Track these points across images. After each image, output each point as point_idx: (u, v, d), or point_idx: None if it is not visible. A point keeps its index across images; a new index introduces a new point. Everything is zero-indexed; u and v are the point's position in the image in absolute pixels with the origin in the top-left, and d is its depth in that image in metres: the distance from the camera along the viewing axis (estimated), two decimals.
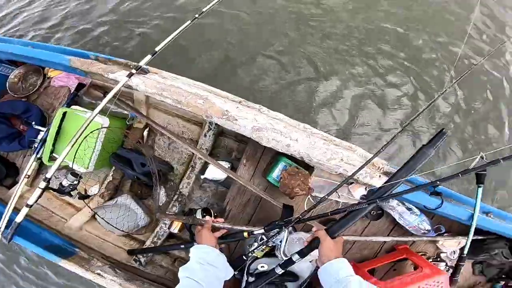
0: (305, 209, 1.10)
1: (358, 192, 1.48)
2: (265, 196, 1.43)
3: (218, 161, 1.71)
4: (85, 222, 1.83)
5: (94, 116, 1.17)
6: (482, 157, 1.13)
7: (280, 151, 1.23)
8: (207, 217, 1.50)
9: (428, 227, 1.56)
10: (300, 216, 1.08)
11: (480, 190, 1.32)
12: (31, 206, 1.09)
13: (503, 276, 1.82)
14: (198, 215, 1.59)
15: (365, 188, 1.49)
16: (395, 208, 1.50)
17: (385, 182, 1.09)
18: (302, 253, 1.00)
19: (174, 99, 1.31)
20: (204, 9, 1.49)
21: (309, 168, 1.41)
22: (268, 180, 1.51)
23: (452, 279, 1.49)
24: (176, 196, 1.82)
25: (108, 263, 1.54)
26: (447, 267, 1.74)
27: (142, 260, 1.73)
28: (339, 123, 2.61)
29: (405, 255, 1.63)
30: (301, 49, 2.90)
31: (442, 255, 1.75)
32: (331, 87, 2.74)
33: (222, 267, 0.98)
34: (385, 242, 1.69)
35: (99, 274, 1.43)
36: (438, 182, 1.30)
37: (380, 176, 1.23)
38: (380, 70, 2.86)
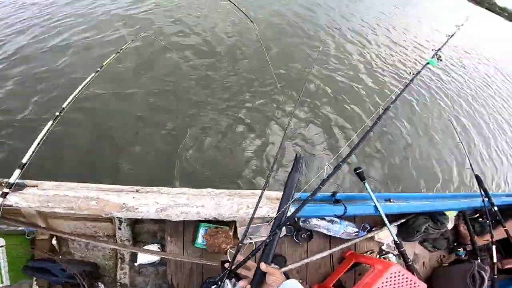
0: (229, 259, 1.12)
1: None
2: (199, 261, 1.41)
3: (145, 246, 1.65)
4: None
5: None
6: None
7: (193, 219, 1.25)
8: None
9: (355, 229, 1.76)
10: (230, 268, 1.08)
11: (366, 184, 1.56)
12: None
13: (455, 243, 2.15)
14: None
15: None
16: (319, 225, 1.66)
17: (277, 211, 1.21)
18: None
19: (64, 207, 1.20)
20: (63, 105, 1.39)
21: (230, 222, 1.46)
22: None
23: (406, 265, 1.58)
24: None
25: None
26: (396, 256, 1.91)
27: None
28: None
29: (354, 260, 1.75)
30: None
31: (383, 247, 1.93)
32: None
33: None
34: (331, 255, 1.81)
35: None
36: (334, 192, 1.54)
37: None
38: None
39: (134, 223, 1.68)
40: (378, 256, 1.91)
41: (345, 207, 1.48)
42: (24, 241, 1.65)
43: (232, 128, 3.09)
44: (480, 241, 2.11)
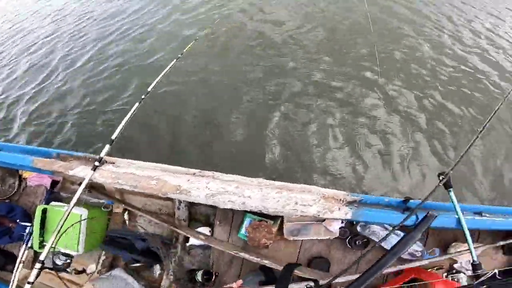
0: None
1: (334, 226, 1.45)
2: (237, 253, 1.43)
3: (198, 228, 1.74)
4: None
5: (69, 212, 1.25)
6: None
7: (238, 209, 1.24)
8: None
9: (422, 249, 1.51)
10: None
11: (451, 193, 1.29)
12: (32, 283, 1.14)
13: None
14: (199, 277, 1.60)
15: (341, 221, 1.47)
16: (379, 233, 1.46)
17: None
18: None
19: (129, 185, 1.35)
20: (148, 89, 1.58)
21: (277, 216, 1.41)
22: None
23: None
24: (169, 267, 1.80)
25: None
26: (468, 278, 1.59)
27: None
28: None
29: (413, 275, 1.52)
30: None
31: (455, 265, 1.63)
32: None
33: None
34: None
35: None
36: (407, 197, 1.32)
37: (339, 208, 1.22)
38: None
39: (192, 204, 1.78)
40: (446, 274, 1.61)
41: (417, 217, 1.24)
42: (102, 213, 1.93)
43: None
44: None
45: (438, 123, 2.90)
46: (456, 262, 1.63)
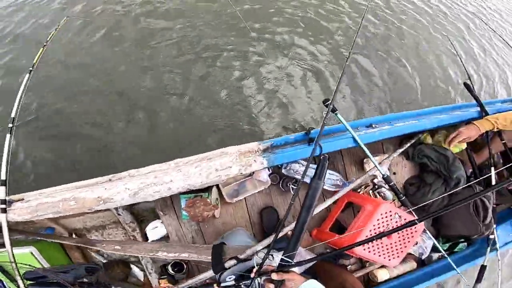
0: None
1: (263, 176, 1.60)
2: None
3: (150, 224, 1.73)
4: None
5: (12, 253, 1.19)
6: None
7: (167, 195, 1.29)
8: None
9: (340, 177, 1.71)
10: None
11: (339, 115, 1.47)
12: None
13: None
14: (170, 270, 1.64)
15: (268, 169, 1.62)
16: (300, 172, 1.62)
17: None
18: None
19: (51, 212, 1.29)
20: (12, 115, 1.35)
21: (209, 187, 1.50)
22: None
23: (400, 200, 1.55)
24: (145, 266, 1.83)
25: None
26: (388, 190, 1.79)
27: None
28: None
29: (346, 199, 1.70)
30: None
31: (375, 181, 1.84)
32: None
33: None
34: (323, 197, 1.77)
35: None
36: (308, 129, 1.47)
37: (255, 160, 1.34)
38: None
39: (130, 206, 1.76)
40: (371, 191, 1.83)
41: (320, 146, 1.40)
42: (51, 244, 1.76)
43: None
44: (479, 159, 1.93)
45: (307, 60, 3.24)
46: (375, 177, 1.84)
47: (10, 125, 1.29)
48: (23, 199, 1.38)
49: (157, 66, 2.96)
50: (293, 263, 1.00)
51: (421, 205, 1.25)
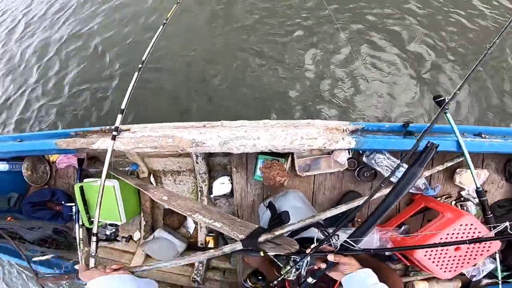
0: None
1: (342, 158, 1.55)
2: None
3: (218, 179, 1.90)
4: (143, 261, 2.13)
5: (103, 185, 1.33)
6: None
7: (251, 152, 1.35)
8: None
9: (424, 181, 1.57)
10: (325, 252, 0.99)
11: (448, 115, 1.31)
12: (95, 255, 1.27)
13: None
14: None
15: (348, 152, 1.56)
16: (383, 165, 1.51)
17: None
18: (315, 275, 1.02)
19: (150, 146, 1.46)
20: (143, 58, 1.59)
21: (287, 155, 1.51)
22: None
23: (485, 217, 1.40)
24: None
25: None
26: (476, 206, 1.63)
27: (199, 279, 1.97)
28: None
29: (423, 204, 1.59)
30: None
31: (463, 193, 1.67)
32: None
33: None
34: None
35: None
36: (408, 120, 1.36)
37: (343, 138, 1.29)
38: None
39: (208, 156, 1.91)
40: (454, 202, 1.66)
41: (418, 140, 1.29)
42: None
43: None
44: None
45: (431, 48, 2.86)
46: (463, 190, 1.66)
47: (140, 65, 1.48)
48: (129, 130, 1.60)
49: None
50: (357, 248, 0.95)
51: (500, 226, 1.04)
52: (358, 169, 1.62)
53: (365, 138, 1.33)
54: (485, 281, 1.69)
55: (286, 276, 1.12)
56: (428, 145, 0.99)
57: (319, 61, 2.89)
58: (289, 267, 1.15)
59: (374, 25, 3.00)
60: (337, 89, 2.73)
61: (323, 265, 0.98)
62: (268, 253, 1.21)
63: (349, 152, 1.56)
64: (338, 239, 1.06)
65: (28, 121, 3.53)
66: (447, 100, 1.29)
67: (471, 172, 1.35)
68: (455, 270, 1.33)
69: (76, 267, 1.14)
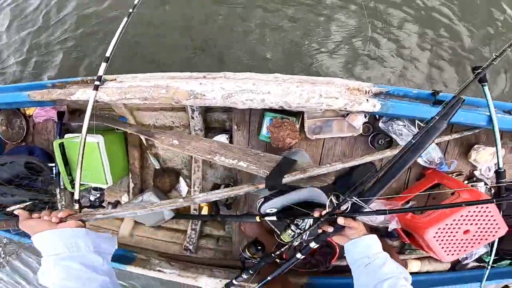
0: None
1: (358, 121, 1.39)
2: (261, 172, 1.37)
3: (215, 136, 1.72)
4: (131, 228, 2.03)
5: (84, 140, 1.14)
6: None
7: (258, 107, 1.17)
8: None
9: (441, 156, 1.46)
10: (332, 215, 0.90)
11: (486, 88, 1.17)
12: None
13: None
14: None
15: (364, 116, 1.40)
16: (402, 132, 1.37)
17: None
18: (319, 240, 0.95)
19: (138, 97, 1.27)
20: (135, 1, 1.34)
21: (297, 114, 1.34)
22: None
23: (497, 201, 1.32)
24: (193, 182, 1.91)
25: (164, 259, 1.74)
26: (487, 188, 1.55)
27: (191, 247, 1.90)
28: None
29: (436, 180, 1.48)
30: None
31: (476, 172, 1.57)
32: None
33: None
34: (410, 169, 1.58)
35: (159, 270, 1.64)
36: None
37: (367, 100, 1.13)
38: None
39: (205, 112, 1.74)
40: (466, 181, 1.58)
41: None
42: (118, 136, 1.87)
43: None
44: None
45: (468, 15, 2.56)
46: (476, 169, 1.57)
47: (130, 10, 1.25)
48: (115, 80, 1.38)
49: None
50: (368, 208, 0.87)
51: None
52: (372, 135, 1.48)
53: (392, 102, 1.18)
54: (471, 264, 1.73)
55: (288, 241, 1.08)
56: (455, 98, 0.88)
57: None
58: (290, 231, 1.08)
59: None
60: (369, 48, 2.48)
61: (330, 229, 0.90)
62: (266, 219, 1.17)
63: (365, 116, 1.40)
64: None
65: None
66: (482, 70, 1.09)
67: (497, 151, 1.24)
68: (458, 254, 1.31)
69: (16, 212, 0.88)
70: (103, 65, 1.26)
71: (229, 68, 2.44)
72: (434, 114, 1.08)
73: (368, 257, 0.83)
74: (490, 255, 1.37)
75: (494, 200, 0.79)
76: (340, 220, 0.86)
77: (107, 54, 1.24)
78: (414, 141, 0.85)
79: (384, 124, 1.41)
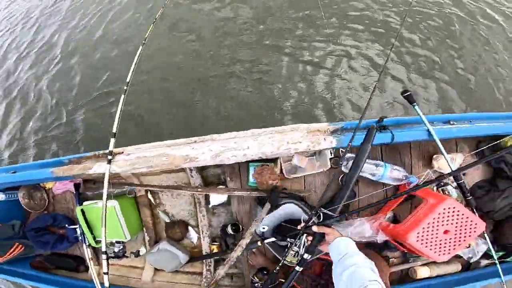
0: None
1: (322, 157, 1.67)
2: (255, 194, 1.67)
3: (213, 198, 1.97)
4: (153, 275, 2.18)
5: (105, 205, 1.43)
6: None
7: (242, 161, 1.45)
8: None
9: (403, 173, 1.65)
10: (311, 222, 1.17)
11: (416, 107, 1.44)
12: (107, 273, 1.34)
13: None
14: (229, 230, 1.89)
15: (330, 152, 1.68)
16: (364, 169, 1.58)
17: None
18: (310, 251, 1.15)
19: (145, 166, 1.53)
20: (127, 79, 1.64)
21: (275, 159, 1.62)
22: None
23: (465, 199, 1.48)
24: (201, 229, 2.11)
25: None
26: (456, 189, 1.70)
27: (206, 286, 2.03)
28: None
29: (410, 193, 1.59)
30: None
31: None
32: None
33: None
34: (384, 185, 1.75)
35: None
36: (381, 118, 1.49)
37: (325, 138, 1.42)
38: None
39: (202, 170, 1.99)
40: (435, 187, 1.75)
41: (392, 134, 1.42)
42: (129, 200, 2.16)
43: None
44: None
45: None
46: (442, 174, 1.74)
47: (125, 87, 1.55)
48: (123, 152, 1.67)
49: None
50: (335, 216, 1.14)
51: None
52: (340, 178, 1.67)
53: (344, 136, 1.44)
54: (484, 262, 1.80)
55: (289, 261, 1.29)
56: (370, 128, 1.32)
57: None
58: (292, 251, 1.28)
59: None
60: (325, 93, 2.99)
61: (310, 237, 1.15)
62: (265, 242, 1.45)
63: (330, 152, 1.67)
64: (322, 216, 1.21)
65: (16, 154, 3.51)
66: (409, 92, 1.47)
67: (444, 156, 1.48)
68: (449, 253, 1.38)
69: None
70: (112, 140, 1.54)
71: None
72: (380, 139, 1.41)
73: (339, 253, 1.01)
74: (490, 251, 1.49)
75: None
76: (314, 228, 1.11)
77: (113, 130, 1.53)
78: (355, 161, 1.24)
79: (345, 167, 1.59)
